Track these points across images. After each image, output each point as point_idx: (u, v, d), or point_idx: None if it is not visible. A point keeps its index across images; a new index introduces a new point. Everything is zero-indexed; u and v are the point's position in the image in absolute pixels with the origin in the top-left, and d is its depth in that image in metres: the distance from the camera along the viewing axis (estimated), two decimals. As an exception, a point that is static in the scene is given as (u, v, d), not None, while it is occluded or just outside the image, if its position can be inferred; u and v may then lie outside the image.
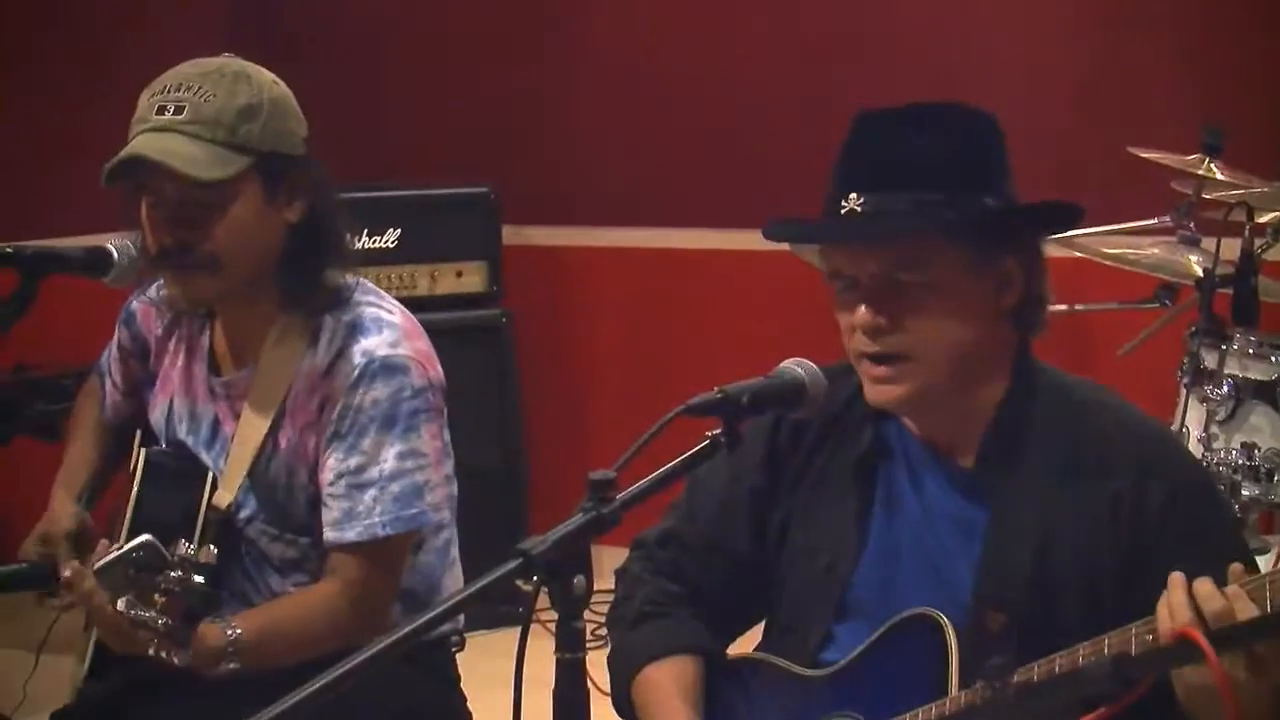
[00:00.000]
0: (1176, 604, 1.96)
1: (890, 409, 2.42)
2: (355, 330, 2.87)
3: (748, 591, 2.59)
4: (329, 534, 2.85)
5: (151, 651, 2.59)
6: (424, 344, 2.93)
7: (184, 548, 2.62)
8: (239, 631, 2.73)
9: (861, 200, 2.31)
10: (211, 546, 2.71)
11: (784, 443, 2.56)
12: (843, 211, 2.33)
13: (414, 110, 6.52)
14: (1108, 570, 2.29)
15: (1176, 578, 2.00)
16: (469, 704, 3.14)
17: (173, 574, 2.57)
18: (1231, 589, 1.94)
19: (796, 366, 2.21)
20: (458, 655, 3.14)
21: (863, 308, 2.32)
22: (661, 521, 2.69)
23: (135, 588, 2.55)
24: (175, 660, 2.61)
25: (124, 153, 2.72)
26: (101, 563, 2.57)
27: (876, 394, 2.37)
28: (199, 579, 2.61)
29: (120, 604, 2.57)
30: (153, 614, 2.56)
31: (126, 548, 2.56)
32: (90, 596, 2.64)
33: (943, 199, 2.30)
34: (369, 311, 2.90)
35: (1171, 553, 2.24)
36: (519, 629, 1.92)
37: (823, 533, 2.50)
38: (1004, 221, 2.37)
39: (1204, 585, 1.97)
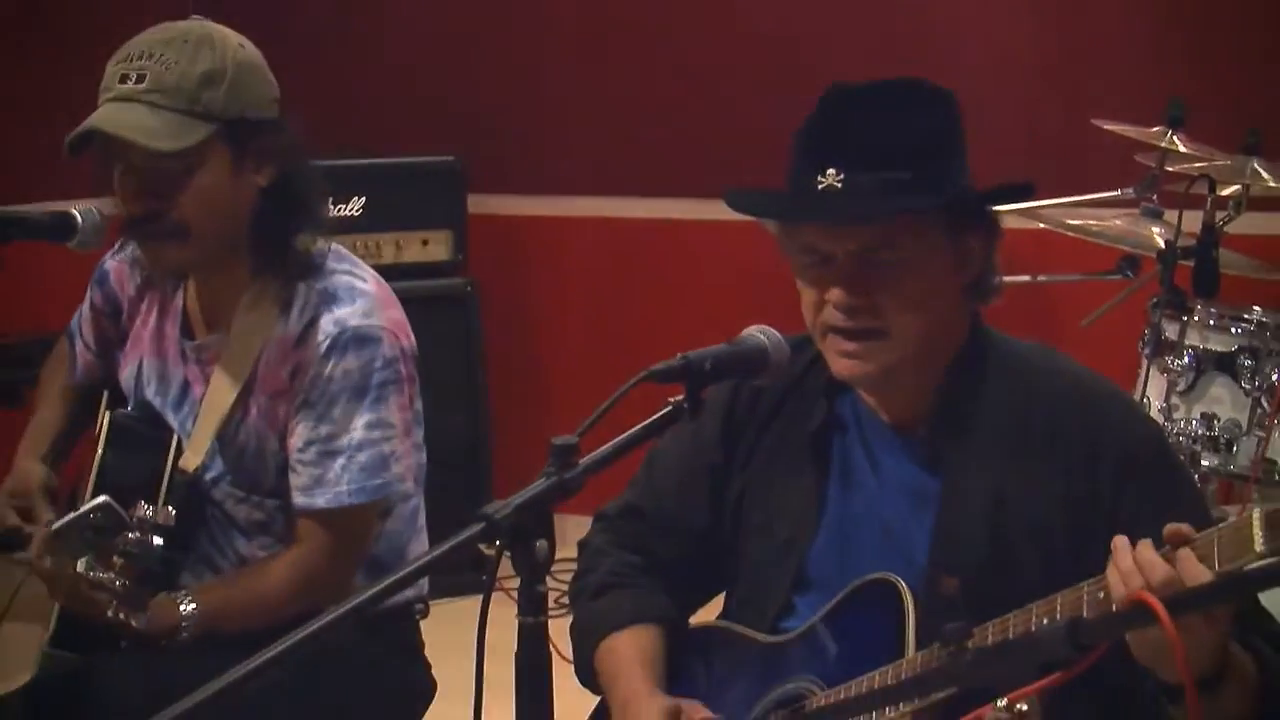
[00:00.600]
0: (1127, 570, 1.97)
1: (856, 384, 2.44)
2: (328, 299, 2.87)
3: (708, 563, 2.61)
4: (298, 499, 2.86)
5: (110, 614, 2.59)
6: (397, 312, 2.93)
7: (143, 509, 2.62)
8: (194, 606, 2.73)
9: (840, 177, 2.30)
10: (170, 508, 2.71)
11: (739, 418, 2.58)
12: (820, 187, 2.32)
13: (380, 79, 6.50)
14: (1062, 532, 2.31)
15: (1120, 542, 2.01)
16: (433, 671, 3.15)
17: (131, 535, 2.57)
18: (1181, 552, 1.96)
19: (759, 333, 2.21)
20: (421, 623, 3.15)
21: (839, 288, 2.32)
22: (622, 495, 2.71)
23: (93, 549, 2.55)
24: (132, 623, 2.61)
25: (83, 125, 2.72)
26: (59, 524, 2.57)
27: (845, 368, 2.38)
28: (157, 541, 2.61)
29: (79, 565, 2.57)
30: (110, 575, 2.56)
31: (84, 509, 2.56)
32: (48, 558, 2.64)
33: (917, 177, 2.30)
34: (342, 280, 2.90)
35: (1127, 512, 2.27)
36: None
37: (780, 506, 2.51)
38: (975, 199, 2.39)
39: (1146, 552, 1.98)
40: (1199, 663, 1.99)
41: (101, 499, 2.57)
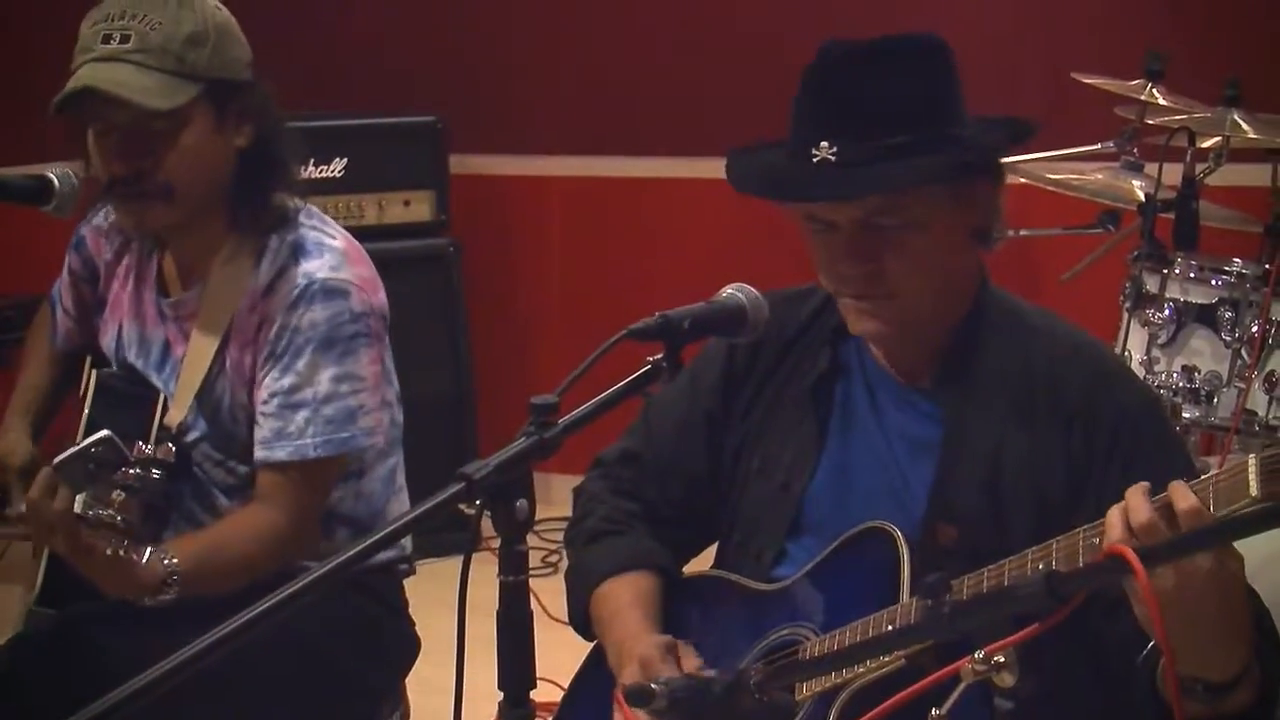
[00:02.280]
0: (1128, 510, 1.96)
1: (875, 342, 2.45)
2: (297, 251, 2.87)
3: (704, 511, 2.62)
4: (259, 452, 2.85)
5: (109, 552, 2.56)
6: (367, 270, 2.93)
7: (141, 449, 2.61)
8: (175, 562, 2.73)
9: (834, 150, 2.27)
10: (170, 444, 2.71)
11: (740, 367, 2.59)
12: (814, 160, 2.29)
13: (361, 38, 6.48)
14: (1058, 488, 2.32)
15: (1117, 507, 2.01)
16: (417, 629, 3.16)
17: (131, 471, 2.56)
18: (1176, 485, 1.93)
19: (737, 292, 2.20)
20: (407, 582, 3.15)
21: (846, 259, 2.31)
22: (620, 441, 2.72)
23: (93, 484, 2.53)
24: (134, 556, 2.59)
25: (73, 84, 2.71)
26: (60, 457, 2.55)
27: (862, 327, 2.39)
28: (157, 474, 2.60)
29: (77, 505, 2.55)
30: (110, 513, 2.55)
31: (85, 442, 2.52)
32: (48, 499, 2.61)
33: (915, 140, 2.27)
34: (311, 235, 2.90)
35: (1121, 470, 2.27)
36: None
37: (779, 452, 2.52)
38: (976, 153, 2.36)
39: (1135, 497, 1.97)
40: (1222, 663, 1.99)
41: (104, 433, 2.56)
